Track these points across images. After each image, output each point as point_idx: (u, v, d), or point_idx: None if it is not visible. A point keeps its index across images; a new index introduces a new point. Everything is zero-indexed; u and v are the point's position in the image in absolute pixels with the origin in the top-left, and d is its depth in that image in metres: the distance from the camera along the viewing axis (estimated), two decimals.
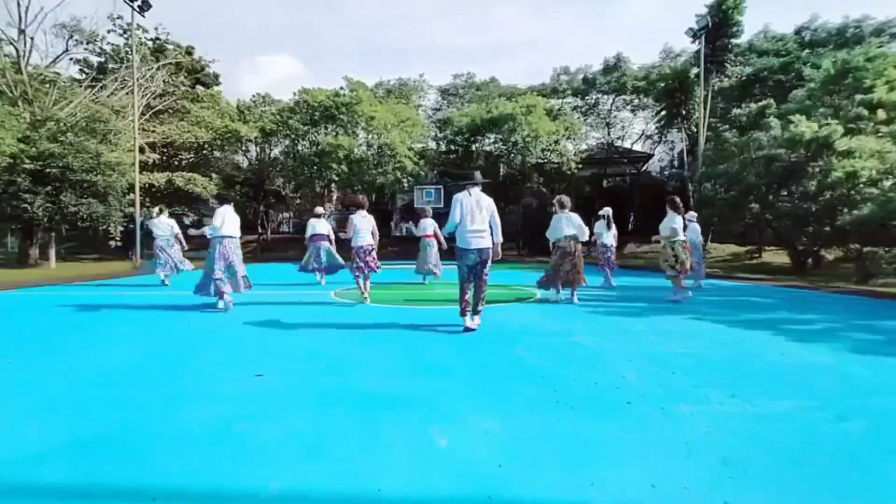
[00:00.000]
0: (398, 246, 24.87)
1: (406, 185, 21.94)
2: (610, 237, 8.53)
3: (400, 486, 1.59)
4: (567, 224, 6.28)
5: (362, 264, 6.14)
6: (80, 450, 1.87)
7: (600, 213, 8.74)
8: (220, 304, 5.68)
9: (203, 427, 2.09)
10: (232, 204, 5.99)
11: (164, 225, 8.67)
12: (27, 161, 13.04)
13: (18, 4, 15.69)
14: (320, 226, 8.95)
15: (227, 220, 5.68)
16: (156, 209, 9.38)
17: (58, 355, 3.45)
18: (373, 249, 6.26)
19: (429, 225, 8.99)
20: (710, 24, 17.77)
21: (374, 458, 1.79)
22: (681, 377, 2.88)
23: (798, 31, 23.19)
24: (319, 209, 9.59)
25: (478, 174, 4.75)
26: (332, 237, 8.99)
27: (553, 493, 1.55)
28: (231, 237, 5.75)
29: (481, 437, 2.00)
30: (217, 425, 2.10)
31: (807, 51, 21.58)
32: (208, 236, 5.95)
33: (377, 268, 6.35)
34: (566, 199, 6.46)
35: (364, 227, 6.19)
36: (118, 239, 15.67)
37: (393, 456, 1.81)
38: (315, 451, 1.86)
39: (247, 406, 2.36)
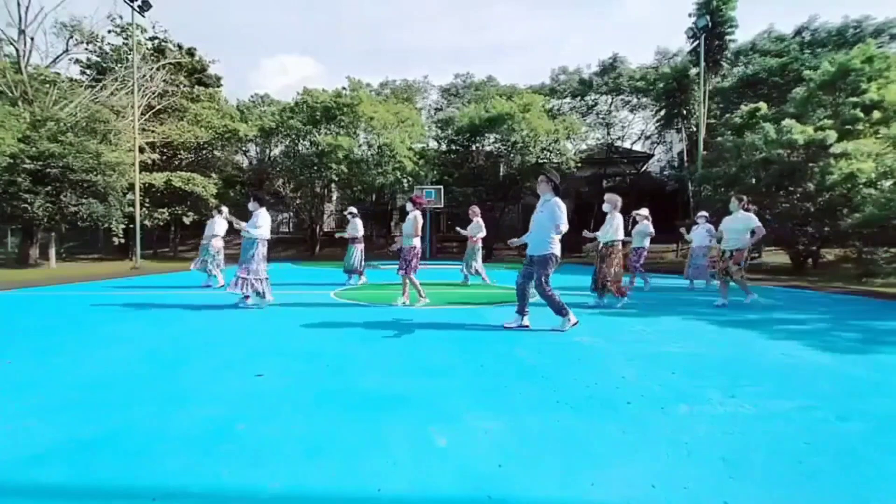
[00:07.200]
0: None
1: (406, 185, 21.92)
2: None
3: (400, 486, 1.59)
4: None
5: None
6: (80, 450, 1.87)
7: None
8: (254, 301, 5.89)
9: (203, 427, 2.09)
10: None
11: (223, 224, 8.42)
12: (27, 161, 13.04)
13: (18, 4, 15.72)
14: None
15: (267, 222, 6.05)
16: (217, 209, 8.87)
17: (58, 355, 3.45)
18: None
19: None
20: (709, 23, 17.67)
21: (374, 458, 1.79)
22: (681, 377, 2.88)
23: (798, 32, 23.19)
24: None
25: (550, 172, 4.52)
26: None
27: (553, 493, 1.55)
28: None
29: (481, 437, 2.00)
30: (217, 425, 2.10)
31: (807, 52, 21.56)
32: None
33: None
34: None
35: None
36: (121, 235, 15.70)
37: (393, 456, 1.81)
38: (315, 451, 1.86)
39: (247, 406, 2.36)
